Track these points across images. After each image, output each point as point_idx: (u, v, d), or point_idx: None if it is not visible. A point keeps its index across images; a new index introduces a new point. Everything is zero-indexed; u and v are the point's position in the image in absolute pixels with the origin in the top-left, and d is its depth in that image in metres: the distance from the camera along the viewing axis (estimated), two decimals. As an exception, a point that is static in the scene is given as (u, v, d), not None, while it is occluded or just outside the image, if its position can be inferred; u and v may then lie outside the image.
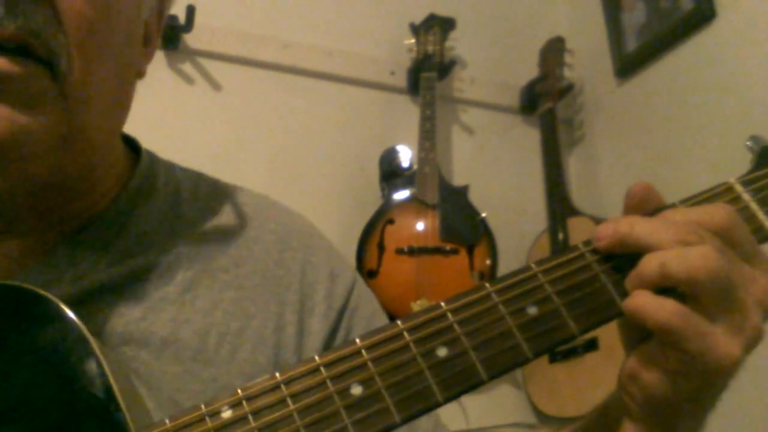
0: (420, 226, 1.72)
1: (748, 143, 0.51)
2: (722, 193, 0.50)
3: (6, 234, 0.56)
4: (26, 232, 0.56)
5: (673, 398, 0.46)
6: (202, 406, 0.44)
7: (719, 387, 0.47)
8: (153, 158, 0.65)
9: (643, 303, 0.44)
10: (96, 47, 0.51)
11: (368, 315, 0.65)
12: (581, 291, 0.47)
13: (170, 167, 0.66)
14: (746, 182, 0.50)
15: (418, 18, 1.95)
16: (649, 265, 0.45)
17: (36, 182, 0.52)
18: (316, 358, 0.45)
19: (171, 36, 1.71)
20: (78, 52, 0.49)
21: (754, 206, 0.49)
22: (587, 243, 0.48)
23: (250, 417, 0.43)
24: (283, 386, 0.44)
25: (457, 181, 1.88)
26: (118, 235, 0.59)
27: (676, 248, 0.44)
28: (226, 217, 0.64)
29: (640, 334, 0.47)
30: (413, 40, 1.94)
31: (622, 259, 0.47)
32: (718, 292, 0.44)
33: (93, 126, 0.53)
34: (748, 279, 0.45)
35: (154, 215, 0.61)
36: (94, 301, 0.55)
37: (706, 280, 0.43)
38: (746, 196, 0.50)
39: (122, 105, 0.58)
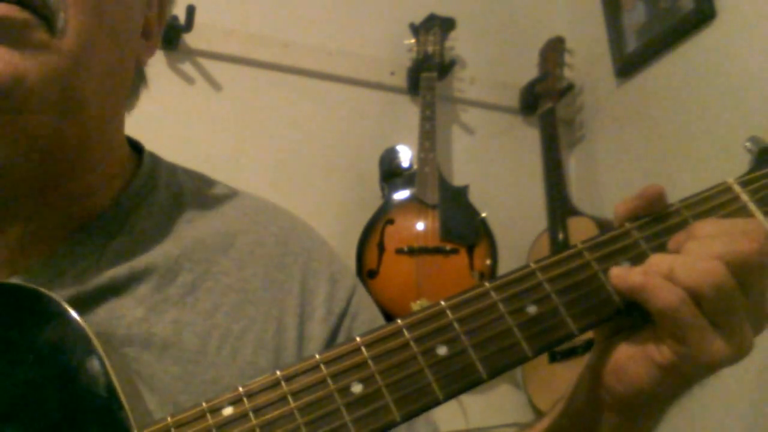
0: (420, 226, 1.72)
1: (747, 144, 0.52)
2: (721, 193, 0.51)
3: (5, 219, 0.55)
4: (25, 216, 0.56)
5: (653, 393, 0.47)
6: (203, 404, 0.44)
7: (693, 386, 0.48)
8: (156, 159, 0.66)
9: (656, 282, 0.45)
10: (92, 9, 0.52)
11: (368, 321, 0.64)
12: (580, 289, 0.47)
13: (173, 169, 0.67)
14: (744, 182, 0.51)
15: (418, 18, 1.96)
16: (658, 265, 0.46)
17: (34, 147, 0.52)
18: (317, 355, 0.45)
19: (171, 36, 1.71)
20: (74, 10, 0.51)
21: (752, 207, 0.50)
22: (585, 241, 0.49)
23: (250, 414, 0.44)
24: (283, 383, 0.44)
25: (457, 181, 1.88)
26: (119, 234, 0.59)
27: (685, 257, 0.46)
28: (228, 219, 0.64)
29: (614, 329, 0.49)
30: (413, 40, 1.94)
31: (622, 257, 0.47)
32: (719, 307, 0.45)
33: (88, 92, 0.53)
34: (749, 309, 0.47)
35: (155, 216, 0.61)
36: (96, 301, 0.55)
37: (710, 293, 0.45)
38: (745, 197, 0.50)
39: (119, 82, 0.58)
